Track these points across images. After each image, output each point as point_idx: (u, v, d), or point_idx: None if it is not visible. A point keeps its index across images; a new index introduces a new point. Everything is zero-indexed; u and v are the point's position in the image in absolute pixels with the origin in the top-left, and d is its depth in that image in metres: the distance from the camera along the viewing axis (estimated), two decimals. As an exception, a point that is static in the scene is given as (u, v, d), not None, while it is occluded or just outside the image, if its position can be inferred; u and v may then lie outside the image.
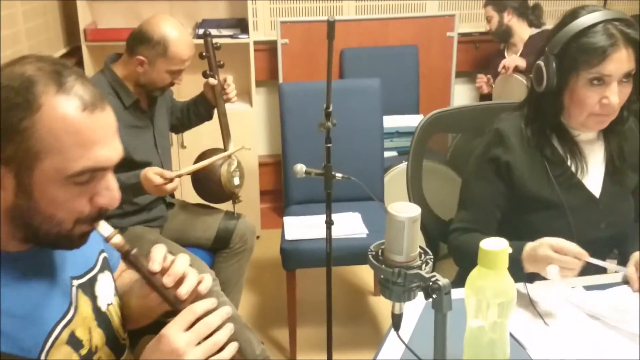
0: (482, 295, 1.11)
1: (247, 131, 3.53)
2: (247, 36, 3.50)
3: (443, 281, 1.00)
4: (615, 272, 1.52)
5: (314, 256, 2.47)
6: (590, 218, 1.62)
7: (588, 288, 1.49)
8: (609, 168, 1.65)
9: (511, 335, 1.28)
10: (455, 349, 1.15)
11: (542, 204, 1.61)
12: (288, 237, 2.58)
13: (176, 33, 2.25)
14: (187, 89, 3.02)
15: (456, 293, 1.05)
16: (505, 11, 3.55)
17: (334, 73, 3.65)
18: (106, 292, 1.20)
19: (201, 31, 2.67)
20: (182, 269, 1.10)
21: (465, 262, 1.13)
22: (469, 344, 1.18)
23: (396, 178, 3.15)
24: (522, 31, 3.56)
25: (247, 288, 2.99)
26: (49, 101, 0.92)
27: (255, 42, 3.58)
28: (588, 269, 1.51)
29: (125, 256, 1.07)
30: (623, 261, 1.53)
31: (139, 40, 2.24)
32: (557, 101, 1.57)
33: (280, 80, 3.72)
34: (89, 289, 1.15)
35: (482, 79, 3.66)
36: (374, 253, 1.06)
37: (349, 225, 2.63)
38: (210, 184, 2.47)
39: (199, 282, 1.12)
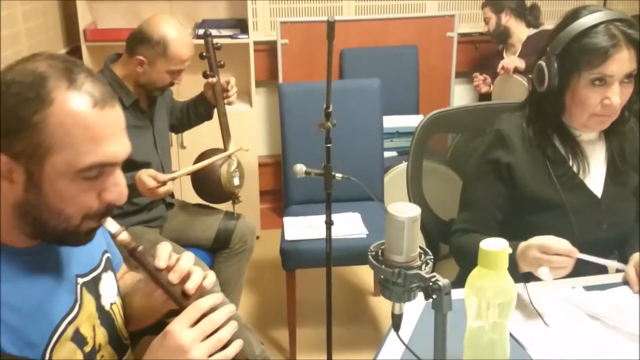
0: (482, 296, 1.11)
1: (247, 131, 3.52)
2: (246, 36, 3.50)
3: (443, 281, 0.99)
4: (617, 270, 1.52)
5: (314, 256, 2.47)
6: (592, 218, 1.62)
7: (588, 288, 1.49)
8: (610, 168, 1.65)
9: (511, 335, 1.28)
10: (455, 349, 1.15)
11: (543, 204, 1.61)
12: (288, 237, 2.58)
13: (176, 33, 2.25)
14: (187, 89, 3.02)
15: (456, 293, 1.05)
16: (503, 12, 3.55)
17: (334, 73, 3.64)
18: (109, 292, 1.21)
19: (201, 31, 2.67)
20: (188, 266, 1.11)
21: (466, 262, 1.13)
22: (469, 344, 1.18)
23: (396, 178, 3.15)
24: (520, 32, 3.57)
25: (247, 288, 2.99)
26: (61, 97, 0.94)
27: (255, 43, 3.58)
28: (588, 269, 1.51)
29: (132, 253, 1.08)
30: (623, 262, 1.53)
31: (139, 41, 2.24)
32: (558, 101, 1.57)
33: (280, 80, 3.72)
34: (93, 287, 1.16)
35: (478, 78, 3.66)
36: (373, 253, 1.06)
37: (349, 225, 2.63)
38: (210, 184, 2.47)
39: (204, 279, 1.13)
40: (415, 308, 1.38)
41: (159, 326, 1.17)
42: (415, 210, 1.01)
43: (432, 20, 3.86)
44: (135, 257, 1.08)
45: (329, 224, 2.17)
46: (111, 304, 1.20)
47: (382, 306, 3.06)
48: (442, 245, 2.03)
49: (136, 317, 1.26)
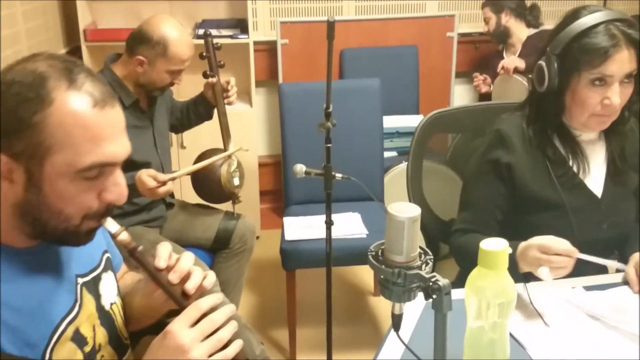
0: (482, 296, 1.11)
1: (246, 131, 3.52)
2: (246, 36, 3.50)
3: (443, 281, 0.99)
4: (617, 270, 1.52)
5: (314, 256, 2.47)
6: (592, 218, 1.62)
7: (588, 288, 1.49)
8: (610, 168, 1.64)
9: (511, 335, 1.28)
10: (455, 349, 1.15)
11: (544, 204, 1.61)
12: (288, 237, 2.58)
13: (176, 33, 2.25)
14: (187, 89, 3.02)
15: (456, 293, 1.05)
16: (503, 12, 3.55)
17: (334, 73, 3.64)
18: (109, 292, 1.21)
19: (201, 31, 2.67)
20: (188, 266, 1.11)
21: (466, 262, 1.13)
22: (469, 344, 1.18)
23: (396, 178, 3.15)
24: (520, 32, 3.57)
25: (247, 288, 2.99)
26: (61, 96, 0.94)
27: (255, 43, 3.58)
28: (588, 269, 1.51)
29: (132, 253, 1.08)
30: (623, 262, 1.53)
31: (139, 41, 2.24)
32: (558, 101, 1.57)
33: (280, 80, 3.72)
34: (93, 287, 1.16)
35: (478, 78, 3.66)
36: (374, 253, 1.06)
37: (349, 225, 2.63)
38: (210, 184, 2.47)
39: (204, 278, 1.13)
40: (415, 308, 1.38)
41: (158, 326, 1.17)
42: (415, 210, 1.01)
43: (432, 20, 3.86)
44: (135, 257, 1.08)
45: (329, 224, 2.17)
46: (111, 304, 1.20)
47: (382, 306, 3.06)
48: (442, 245, 2.02)
49: (136, 317, 1.26)
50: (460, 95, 4.18)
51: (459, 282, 1.24)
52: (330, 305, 2.29)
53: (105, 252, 1.25)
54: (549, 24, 3.57)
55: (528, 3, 3.62)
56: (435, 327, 1.04)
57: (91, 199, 1.00)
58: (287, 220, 2.74)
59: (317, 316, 2.77)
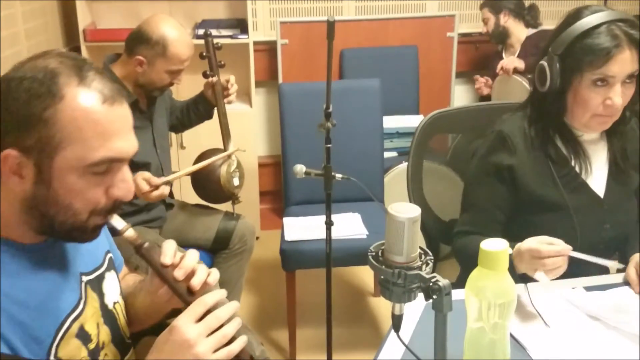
0: (483, 296, 1.11)
1: (246, 132, 3.52)
2: (246, 36, 3.50)
3: (443, 282, 0.99)
4: (617, 270, 1.52)
5: (314, 257, 2.46)
6: (595, 218, 1.62)
7: (588, 289, 1.49)
8: (612, 168, 1.64)
9: (512, 336, 1.27)
10: (456, 349, 1.15)
11: (546, 205, 1.60)
12: (288, 237, 2.58)
13: (175, 33, 2.24)
14: (187, 89, 3.01)
15: (457, 294, 1.05)
16: (502, 12, 3.55)
17: (334, 73, 3.63)
18: (113, 291, 1.22)
19: (201, 31, 2.67)
20: (193, 263, 1.12)
21: (469, 264, 1.13)
22: (470, 344, 1.18)
23: (396, 178, 3.14)
24: (519, 32, 3.57)
25: (247, 289, 2.99)
26: (71, 92, 0.96)
27: (255, 43, 3.57)
28: (589, 270, 1.51)
29: (138, 249, 1.09)
30: (623, 262, 1.53)
31: (138, 41, 2.23)
32: (560, 102, 1.56)
33: (280, 80, 3.72)
34: (96, 285, 1.17)
35: (480, 80, 3.66)
36: (374, 254, 1.06)
37: (349, 226, 2.63)
38: (209, 185, 2.46)
39: (208, 275, 1.14)
40: (416, 309, 1.38)
41: (159, 327, 1.18)
42: (415, 211, 1.00)
43: (432, 20, 3.85)
44: (141, 254, 1.09)
45: (329, 224, 2.17)
46: (114, 303, 1.21)
47: (382, 307, 3.06)
48: (443, 246, 2.02)
49: (139, 317, 1.27)
50: (460, 96, 4.18)
51: (460, 282, 1.23)
52: (330, 305, 2.29)
53: (108, 252, 1.26)
54: (547, 24, 3.57)
55: (527, 3, 3.62)
56: (436, 327, 1.04)
57: (99, 194, 1.02)
58: (287, 220, 2.74)
59: (317, 317, 2.77)
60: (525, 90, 3.10)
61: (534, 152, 1.61)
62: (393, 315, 1.08)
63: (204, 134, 2.85)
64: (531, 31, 3.55)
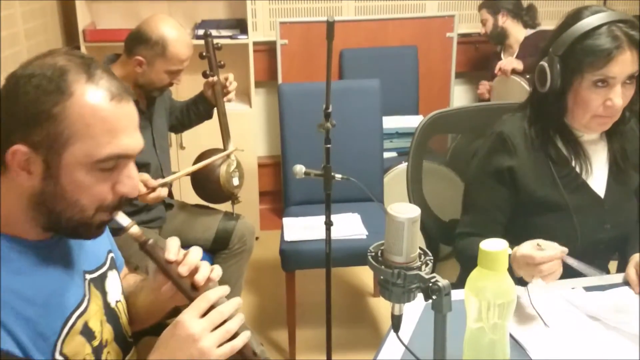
0: (483, 296, 1.11)
1: (246, 132, 3.52)
2: (246, 37, 3.50)
3: (443, 282, 0.99)
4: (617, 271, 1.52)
5: (314, 257, 2.46)
6: (596, 219, 1.62)
7: (588, 289, 1.49)
8: (612, 168, 1.64)
9: (511, 336, 1.27)
10: (455, 350, 1.15)
11: (547, 205, 1.60)
12: (287, 238, 2.58)
13: (175, 33, 2.24)
14: (187, 89, 3.01)
15: (456, 294, 1.05)
16: (500, 13, 3.55)
17: (334, 73, 3.65)
18: (115, 290, 1.23)
19: (200, 32, 2.67)
20: (197, 259, 1.14)
21: (470, 266, 1.12)
22: (469, 345, 1.18)
23: (396, 179, 3.14)
24: (518, 32, 3.57)
25: (246, 289, 2.99)
26: (80, 89, 0.98)
27: (255, 43, 3.57)
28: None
29: (142, 246, 1.10)
30: (623, 262, 1.53)
31: (138, 41, 2.23)
32: (560, 102, 1.56)
33: (280, 80, 3.72)
34: (99, 284, 1.18)
35: (484, 85, 3.65)
36: (373, 254, 1.06)
37: (349, 226, 2.63)
38: (209, 185, 2.46)
39: (211, 271, 1.16)
40: (415, 309, 1.38)
41: (159, 327, 1.19)
42: (415, 211, 1.00)
43: (432, 20, 3.85)
44: (145, 250, 1.11)
45: (328, 224, 2.17)
46: (116, 302, 1.23)
47: (381, 307, 3.06)
48: (442, 246, 2.02)
49: (140, 315, 1.28)
50: (460, 96, 4.17)
51: (460, 282, 1.23)
52: (329, 306, 2.29)
53: (110, 251, 1.28)
54: (546, 24, 3.57)
55: (525, 3, 3.62)
56: (435, 327, 1.04)
57: (106, 190, 1.03)
58: (286, 220, 2.74)
59: (317, 317, 2.77)
60: (524, 90, 3.11)
61: (534, 152, 1.61)
62: (392, 316, 1.08)
63: (204, 134, 2.84)
64: (529, 31, 3.55)
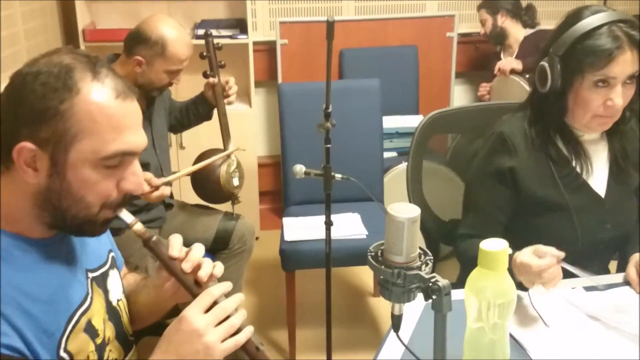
0: (483, 296, 1.11)
1: (246, 132, 3.52)
2: (246, 36, 3.50)
3: (443, 282, 0.99)
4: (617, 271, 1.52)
5: (314, 257, 2.46)
6: (596, 218, 1.62)
7: (588, 289, 1.49)
8: (613, 168, 1.64)
9: (511, 336, 1.27)
10: (455, 350, 1.15)
11: (548, 205, 1.60)
12: (287, 238, 2.58)
13: (174, 33, 2.24)
14: (187, 89, 3.01)
15: (456, 294, 1.05)
16: (499, 13, 3.55)
17: (334, 73, 3.65)
18: (116, 288, 1.24)
19: (200, 31, 2.67)
20: (200, 255, 1.15)
21: (472, 267, 1.12)
22: (469, 344, 1.18)
23: (396, 179, 3.14)
24: (517, 32, 3.57)
25: (247, 289, 2.99)
26: (86, 87, 0.99)
27: (255, 43, 3.57)
28: (589, 270, 1.50)
29: (146, 243, 1.12)
30: (623, 262, 1.53)
31: (137, 41, 2.23)
32: (560, 102, 1.56)
33: (280, 80, 3.72)
34: (101, 282, 1.19)
35: (484, 87, 3.65)
36: (373, 254, 1.06)
37: (349, 226, 2.63)
38: (209, 185, 2.46)
39: (214, 268, 1.16)
40: (415, 309, 1.38)
41: (159, 327, 1.20)
42: (415, 211, 1.00)
43: (432, 20, 3.85)
44: (149, 247, 1.12)
45: (328, 224, 2.17)
46: (118, 301, 1.23)
47: (381, 307, 3.06)
48: (442, 246, 2.02)
49: (141, 314, 1.29)
50: (460, 96, 4.17)
51: (460, 282, 1.23)
52: (329, 306, 2.29)
53: (110, 251, 1.29)
54: (545, 24, 3.57)
55: (524, 3, 3.62)
56: (435, 327, 1.04)
57: (111, 187, 1.04)
58: (286, 220, 2.73)
59: (317, 317, 2.76)
60: (524, 90, 3.10)
61: (534, 152, 1.61)
62: (393, 316, 1.08)
63: (204, 134, 2.84)
64: (529, 31, 3.55)
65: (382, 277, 1.04)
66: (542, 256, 1.33)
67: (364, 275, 3.31)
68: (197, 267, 1.13)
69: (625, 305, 1.40)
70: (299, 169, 2.16)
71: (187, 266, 1.12)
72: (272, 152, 4.06)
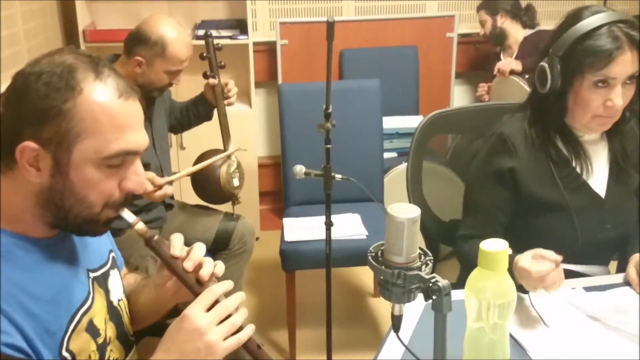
0: (483, 297, 1.11)
1: (246, 132, 3.52)
2: (246, 37, 3.50)
3: (443, 282, 0.99)
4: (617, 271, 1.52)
5: (314, 257, 2.46)
6: (597, 219, 1.62)
7: (588, 289, 1.49)
8: (613, 168, 1.64)
9: (511, 336, 1.27)
10: (455, 350, 1.15)
11: (548, 206, 1.60)
12: (287, 238, 2.58)
13: (174, 33, 2.24)
14: (187, 89, 3.01)
15: (457, 294, 1.05)
16: (498, 14, 3.55)
17: (334, 74, 3.64)
18: (117, 288, 1.25)
19: (200, 32, 2.67)
20: (201, 254, 1.16)
21: (472, 269, 1.12)
22: (469, 345, 1.18)
23: (396, 179, 3.14)
24: (516, 33, 3.57)
25: (247, 289, 2.99)
26: (89, 86, 1.00)
27: (255, 43, 3.57)
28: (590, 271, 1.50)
29: (148, 242, 1.12)
30: (623, 262, 1.53)
31: (137, 41, 2.23)
32: (560, 103, 1.56)
33: (280, 81, 3.72)
34: (102, 282, 1.20)
35: (483, 87, 3.65)
36: (373, 254, 1.06)
37: (349, 226, 2.63)
38: (209, 185, 2.46)
39: (214, 267, 1.17)
40: (415, 309, 1.38)
41: (158, 328, 1.21)
42: (415, 211, 1.00)
43: (431, 20, 3.85)
44: (151, 246, 1.12)
45: (328, 225, 2.17)
46: (118, 300, 1.24)
47: (382, 307, 3.06)
48: (442, 246, 2.02)
49: (141, 314, 1.30)
50: (460, 96, 4.17)
51: (460, 283, 1.23)
52: (330, 306, 2.29)
53: (111, 251, 1.29)
54: (545, 25, 3.57)
55: (523, 4, 3.62)
56: (435, 328, 1.04)
57: (113, 186, 1.04)
58: (286, 221, 2.74)
59: (317, 317, 2.76)
60: (523, 90, 3.10)
61: (534, 153, 1.61)
62: (393, 316, 1.08)
63: (204, 135, 2.84)
64: (528, 32, 3.55)
65: (382, 277, 1.04)
66: (541, 261, 1.32)
67: (364, 276, 3.31)
68: (199, 266, 1.14)
69: (625, 306, 1.40)
70: (299, 169, 2.16)
71: (188, 265, 1.12)
72: (272, 152, 4.06)
